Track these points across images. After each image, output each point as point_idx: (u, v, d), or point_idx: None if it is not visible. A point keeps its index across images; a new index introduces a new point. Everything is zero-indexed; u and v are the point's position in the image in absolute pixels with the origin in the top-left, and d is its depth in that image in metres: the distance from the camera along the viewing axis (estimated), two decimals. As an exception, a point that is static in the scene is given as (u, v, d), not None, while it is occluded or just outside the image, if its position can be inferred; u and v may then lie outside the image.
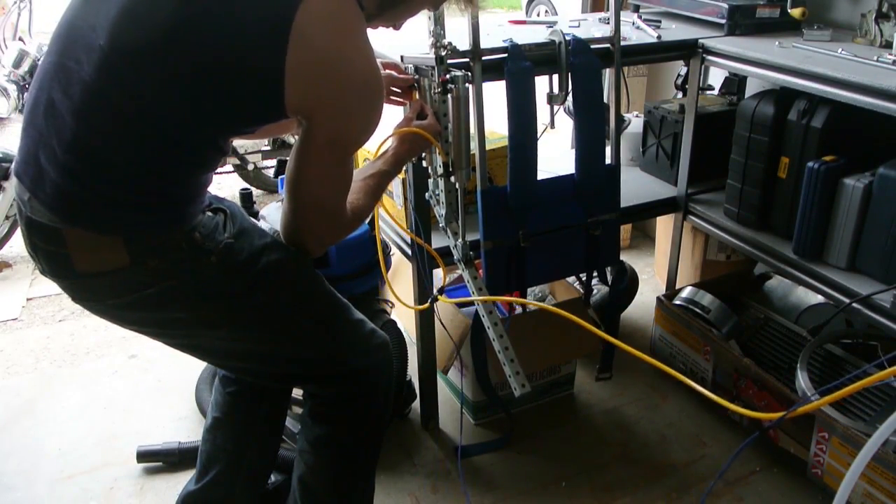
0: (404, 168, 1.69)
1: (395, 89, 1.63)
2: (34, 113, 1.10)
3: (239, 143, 3.38)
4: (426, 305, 1.72)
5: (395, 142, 1.46)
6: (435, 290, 1.68)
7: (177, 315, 1.18)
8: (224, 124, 1.13)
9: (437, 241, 1.76)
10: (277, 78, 1.04)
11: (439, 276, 2.25)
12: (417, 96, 1.59)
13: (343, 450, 1.40)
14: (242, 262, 1.18)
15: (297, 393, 1.89)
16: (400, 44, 1.74)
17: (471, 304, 1.59)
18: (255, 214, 1.82)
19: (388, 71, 1.59)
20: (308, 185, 1.17)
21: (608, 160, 1.78)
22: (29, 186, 1.09)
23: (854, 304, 1.62)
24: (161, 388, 2.21)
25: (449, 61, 1.51)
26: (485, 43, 1.57)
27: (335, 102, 1.11)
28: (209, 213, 1.20)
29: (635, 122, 2.46)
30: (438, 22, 1.51)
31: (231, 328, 1.23)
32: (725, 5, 1.99)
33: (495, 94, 1.67)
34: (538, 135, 1.67)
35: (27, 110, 1.12)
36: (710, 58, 1.90)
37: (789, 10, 1.99)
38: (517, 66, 1.59)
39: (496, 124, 1.83)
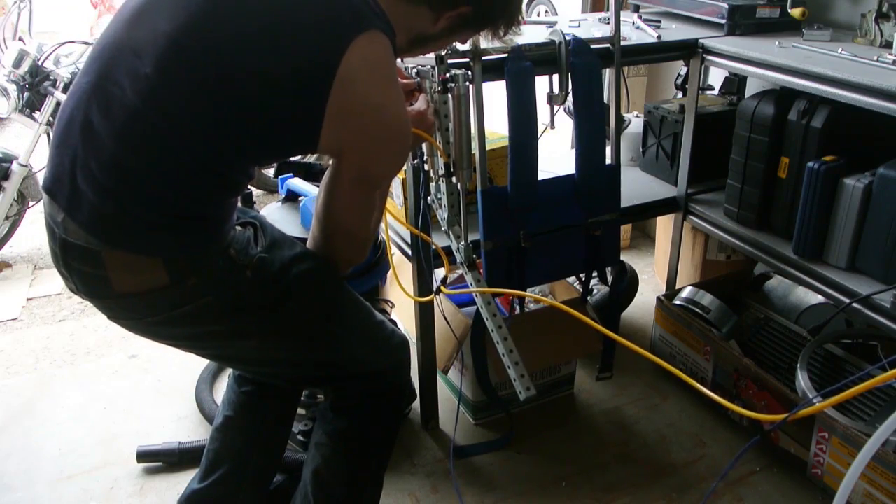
0: (403, 167, 1.68)
1: None
2: (68, 132, 1.10)
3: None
4: (430, 297, 1.72)
5: None
6: (437, 283, 1.68)
7: (212, 328, 1.21)
8: (259, 156, 1.18)
9: (437, 241, 1.76)
10: (317, 122, 1.07)
11: (440, 275, 2.25)
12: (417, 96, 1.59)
13: (362, 444, 1.42)
14: (275, 274, 1.21)
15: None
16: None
17: (472, 300, 1.59)
18: (255, 214, 1.83)
19: None
20: (337, 215, 1.23)
21: (608, 160, 1.78)
22: (64, 206, 1.10)
23: (854, 304, 1.62)
24: (161, 388, 2.21)
25: (449, 61, 1.51)
26: (485, 43, 1.56)
27: (367, 147, 1.15)
28: (239, 228, 1.23)
29: (635, 122, 2.46)
30: (438, 22, 1.51)
31: (264, 337, 1.25)
32: (725, 5, 1.99)
33: (495, 94, 1.67)
34: (538, 135, 1.67)
35: (59, 127, 1.13)
36: (710, 58, 1.90)
37: (789, 10, 1.99)
38: (517, 66, 1.59)
39: (496, 124, 1.83)
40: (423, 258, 1.76)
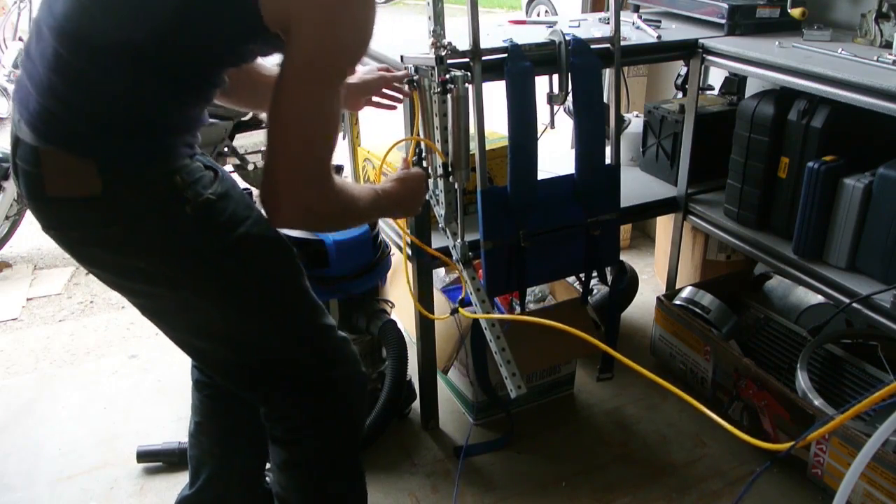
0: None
1: (388, 92, 1.61)
2: (28, 45, 1.08)
3: (239, 144, 3.38)
4: (446, 317, 1.71)
5: (393, 182, 1.38)
6: (456, 303, 1.67)
7: (139, 264, 1.12)
8: (204, 46, 1.05)
9: (437, 241, 1.77)
10: None
11: (440, 275, 2.26)
12: (417, 96, 1.59)
13: (313, 471, 1.34)
14: (220, 224, 1.12)
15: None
16: (400, 44, 1.74)
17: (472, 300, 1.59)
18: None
19: (380, 72, 1.58)
20: (287, 123, 1.04)
21: (608, 160, 1.78)
22: (18, 108, 1.08)
23: (854, 304, 1.62)
24: (161, 388, 2.21)
25: (449, 61, 1.51)
26: (485, 43, 1.56)
27: (315, 9, 1.00)
28: (198, 165, 1.13)
29: (635, 122, 2.47)
30: (438, 22, 1.51)
31: (193, 292, 1.15)
32: (725, 5, 1.99)
33: (495, 94, 1.67)
34: (538, 135, 1.67)
35: (25, 45, 1.11)
36: (710, 58, 1.90)
37: (789, 10, 1.99)
38: (517, 66, 1.59)
39: (496, 124, 1.83)
40: (427, 261, 1.76)
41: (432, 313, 1.85)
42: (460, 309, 1.62)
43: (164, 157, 1.07)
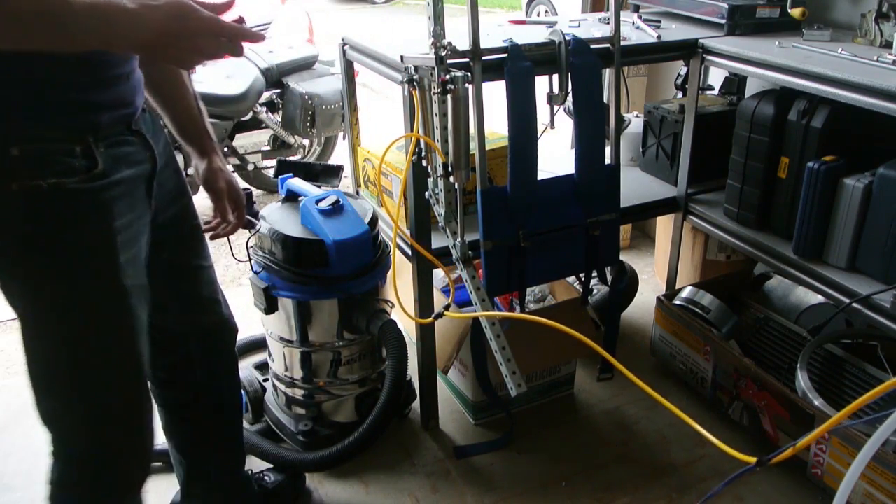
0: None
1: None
2: None
3: (239, 144, 3.38)
4: (429, 320, 1.71)
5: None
6: (441, 307, 1.66)
7: None
8: None
9: (438, 240, 1.77)
10: None
11: (440, 275, 2.26)
12: (417, 95, 1.59)
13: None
14: (42, 216, 1.03)
15: (294, 393, 1.89)
16: (400, 44, 1.74)
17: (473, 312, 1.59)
18: (255, 214, 1.82)
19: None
20: None
21: (608, 160, 1.78)
22: None
23: (854, 304, 1.62)
24: (161, 388, 2.20)
25: (449, 61, 1.51)
26: (485, 43, 1.56)
27: None
28: (72, 150, 1.02)
29: (635, 122, 2.46)
30: (438, 22, 1.51)
31: (7, 275, 1.09)
32: (725, 5, 1.99)
33: (495, 94, 1.67)
34: (538, 135, 1.67)
35: None
36: (710, 58, 1.90)
37: (789, 10, 1.99)
38: (517, 66, 1.59)
39: (496, 124, 1.83)
40: (426, 262, 1.76)
41: (431, 313, 1.85)
42: (446, 312, 1.61)
43: (11, 124, 0.98)
